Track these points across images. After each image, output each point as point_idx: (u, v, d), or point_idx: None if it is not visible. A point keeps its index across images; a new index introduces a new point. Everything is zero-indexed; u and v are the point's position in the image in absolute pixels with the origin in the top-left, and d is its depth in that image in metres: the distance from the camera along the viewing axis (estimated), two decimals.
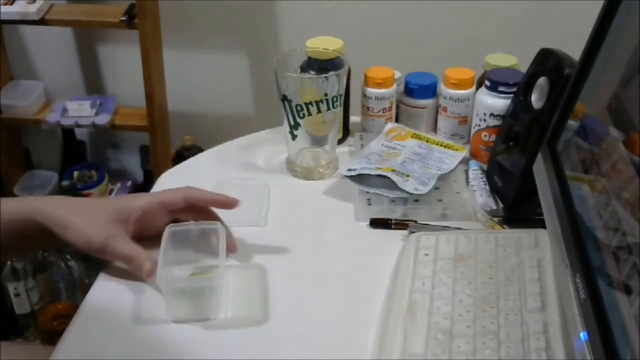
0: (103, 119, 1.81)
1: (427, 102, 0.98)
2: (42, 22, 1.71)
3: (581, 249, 0.58)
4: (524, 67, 0.86)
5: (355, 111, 1.01)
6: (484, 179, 0.89)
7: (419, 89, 0.97)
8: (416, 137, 0.96)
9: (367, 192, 0.85)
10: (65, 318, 1.44)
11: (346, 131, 1.00)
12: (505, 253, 0.72)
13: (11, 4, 1.71)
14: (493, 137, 0.89)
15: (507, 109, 0.86)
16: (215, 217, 0.78)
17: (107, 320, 0.70)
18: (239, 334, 0.67)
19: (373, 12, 1.80)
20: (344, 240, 0.81)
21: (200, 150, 1.65)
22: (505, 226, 0.81)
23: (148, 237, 0.74)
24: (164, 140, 1.88)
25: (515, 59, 0.95)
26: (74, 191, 1.91)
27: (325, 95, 0.86)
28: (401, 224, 0.81)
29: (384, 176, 0.85)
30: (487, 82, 0.88)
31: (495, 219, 0.82)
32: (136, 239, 0.73)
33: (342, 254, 0.77)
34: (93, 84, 2.03)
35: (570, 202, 0.64)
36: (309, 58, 0.91)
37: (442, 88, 0.96)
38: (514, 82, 0.86)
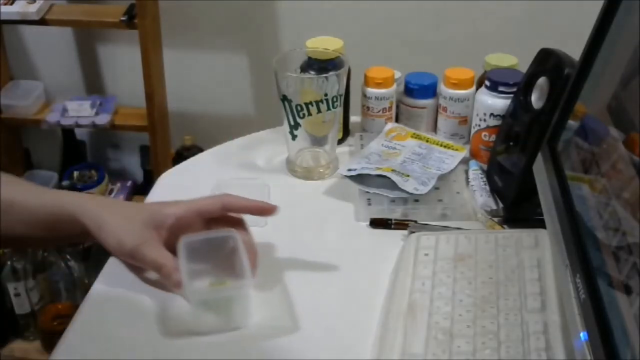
0: (103, 119, 1.81)
1: (427, 102, 0.98)
2: (42, 22, 1.71)
3: (581, 249, 0.58)
4: (524, 67, 0.86)
5: (355, 111, 1.01)
6: (484, 179, 0.89)
7: (419, 89, 0.97)
8: (416, 137, 0.96)
9: (367, 192, 0.85)
10: (65, 318, 1.44)
11: (346, 131, 1.00)
12: (505, 253, 0.72)
13: (11, 4, 1.71)
14: (493, 137, 0.89)
15: (507, 109, 0.86)
16: (246, 229, 0.75)
17: (107, 320, 0.70)
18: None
19: (373, 12, 1.80)
20: (344, 240, 0.81)
21: (200, 150, 1.65)
22: (505, 226, 0.81)
23: None
24: (164, 140, 1.88)
25: (515, 59, 0.95)
26: (74, 191, 1.91)
27: (325, 95, 0.86)
28: (401, 224, 0.81)
29: (384, 176, 0.85)
30: (487, 82, 0.88)
31: (495, 219, 0.82)
32: (169, 246, 0.70)
33: (342, 254, 0.77)
34: (93, 84, 2.03)
35: (570, 202, 0.64)
36: (309, 58, 0.91)
37: (442, 88, 0.96)
38: (514, 82, 0.86)
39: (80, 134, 2.07)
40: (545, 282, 0.67)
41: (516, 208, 0.83)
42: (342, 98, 0.89)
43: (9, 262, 1.64)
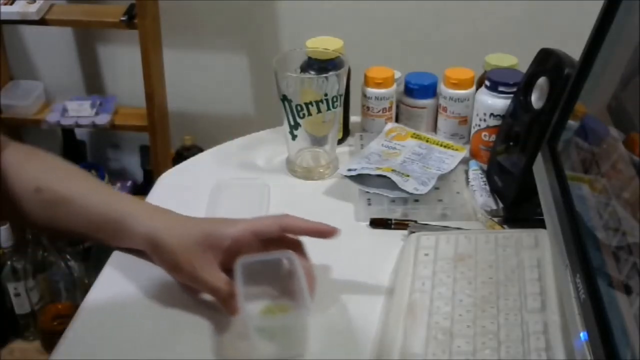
0: (103, 119, 1.81)
1: (427, 102, 0.98)
2: (42, 22, 1.71)
3: (581, 249, 0.58)
4: (524, 67, 0.86)
5: (355, 111, 1.01)
6: (484, 179, 0.89)
7: (419, 89, 0.97)
8: (416, 137, 0.96)
9: (367, 192, 0.85)
10: (65, 318, 1.44)
11: (346, 131, 1.00)
12: (505, 253, 0.72)
13: (11, 4, 1.71)
14: (493, 137, 0.89)
15: (507, 109, 0.86)
16: (304, 253, 0.72)
17: (107, 320, 0.70)
18: None
19: (373, 12, 1.80)
20: (344, 240, 0.81)
21: (200, 150, 1.65)
22: (505, 226, 0.81)
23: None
24: (164, 140, 1.88)
25: (515, 59, 0.95)
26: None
27: (325, 95, 0.86)
28: (401, 224, 0.81)
29: (384, 176, 0.85)
30: (487, 82, 0.88)
31: (495, 219, 0.82)
32: (224, 266, 0.68)
33: (342, 254, 0.77)
34: (93, 84, 2.03)
35: (570, 202, 0.64)
36: (309, 58, 0.91)
37: (442, 88, 0.96)
38: (514, 82, 0.86)
39: (80, 134, 2.07)
40: (545, 282, 0.67)
41: (516, 208, 0.83)
42: (342, 98, 0.89)
43: (9, 262, 1.64)
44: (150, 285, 0.73)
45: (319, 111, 0.87)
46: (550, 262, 0.69)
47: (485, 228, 0.81)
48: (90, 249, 1.74)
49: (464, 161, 0.92)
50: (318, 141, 0.92)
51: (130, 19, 1.69)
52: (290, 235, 0.72)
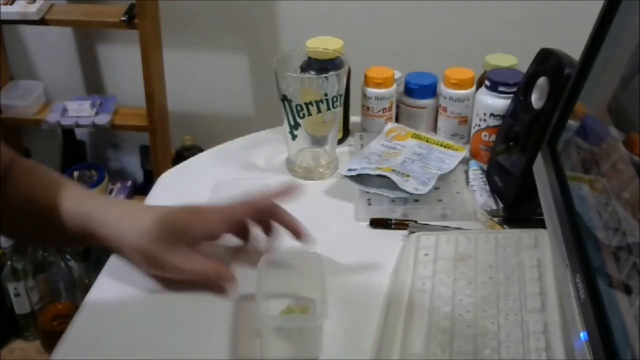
0: (103, 119, 1.81)
1: (427, 102, 0.98)
2: (42, 22, 1.71)
3: (581, 249, 0.58)
4: (524, 67, 0.86)
5: (355, 111, 1.00)
6: (484, 179, 0.89)
7: (419, 89, 0.97)
8: (416, 137, 0.96)
9: (367, 192, 0.85)
10: (65, 318, 1.44)
11: (346, 131, 1.00)
12: (505, 253, 0.72)
13: (11, 4, 1.71)
14: (493, 137, 0.89)
15: (507, 109, 0.86)
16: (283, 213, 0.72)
17: (107, 320, 0.70)
18: None
19: (373, 12, 1.80)
20: (344, 240, 0.81)
21: (200, 150, 1.65)
22: (505, 226, 0.81)
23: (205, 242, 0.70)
24: (164, 140, 1.88)
25: (515, 59, 0.95)
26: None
27: (325, 95, 0.86)
28: (401, 224, 0.81)
29: (384, 176, 0.85)
30: (487, 82, 0.88)
31: (495, 219, 0.82)
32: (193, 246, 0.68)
33: (342, 254, 0.77)
34: (93, 84, 2.03)
35: (570, 202, 0.64)
36: (309, 58, 0.91)
37: (442, 88, 0.96)
38: (514, 82, 0.86)
39: (80, 134, 2.07)
40: (545, 282, 0.67)
41: (516, 208, 0.83)
42: (342, 98, 0.89)
43: (9, 262, 1.64)
44: (152, 285, 0.73)
45: (319, 111, 0.87)
46: (550, 262, 0.69)
47: (485, 228, 0.81)
48: (90, 249, 1.74)
49: (464, 161, 0.92)
50: (318, 141, 0.92)
51: (130, 19, 1.69)
52: (264, 201, 0.73)
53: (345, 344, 0.66)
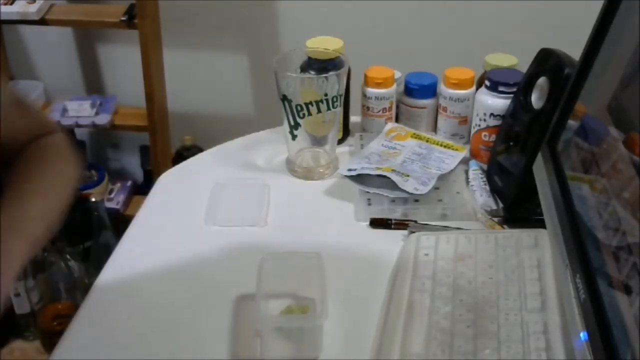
0: (103, 119, 1.81)
1: (427, 102, 0.98)
2: (42, 22, 1.71)
3: (581, 249, 0.58)
4: (524, 67, 0.86)
5: (355, 111, 1.01)
6: (484, 179, 0.89)
7: (419, 89, 0.97)
8: (416, 137, 0.96)
9: (367, 192, 0.85)
10: (65, 318, 1.44)
11: (346, 131, 1.00)
12: (505, 253, 0.72)
13: (11, 4, 1.71)
14: (493, 137, 0.89)
15: (507, 109, 0.86)
16: None
17: (107, 320, 0.70)
18: None
19: (373, 12, 1.80)
20: (344, 240, 0.81)
21: (200, 150, 1.65)
22: (505, 226, 0.81)
23: None
24: (164, 140, 1.88)
25: (515, 59, 0.95)
26: None
27: (325, 95, 0.86)
28: (401, 224, 0.81)
29: (384, 176, 0.85)
30: (487, 82, 0.88)
31: (495, 219, 0.82)
32: None
33: (342, 254, 0.77)
34: (93, 84, 2.03)
35: (570, 202, 0.64)
36: (309, 58, 0.91)
37: (442, 88, 0.96)
38: (514, 82, 0.86)
39: (80, 134, 2.07)
40: (545, 282, 0.67)
41: (516, 208, 0.83)
42: (342, 98, 0.89)
43: None
44: (152, 285, 0.73)
45: (319, 111, 0.87)
46: (550, 262, 0.69)
47: (485, 228, 0.81)
48: (89, 249, 1.74)
49: (464, 161, 0.92)
50: (318, 141, 0.92)
51: (130, 19, 1.69)
52: None
53: (345, 344, 0.66)
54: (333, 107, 0.87)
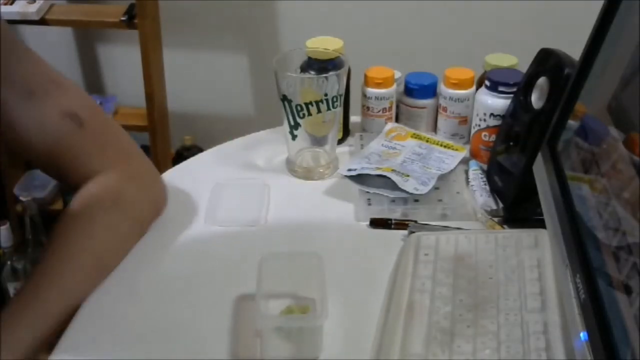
0: None
1: (427, 102, 0.98)
2: (42, 22, 1.71)
3: (581, 249, 0.58)
4: (524, 67, 0.86)
5: (355, 111, 1.00)
6: (484, 179, 0.89)
7: (419, 89, 0.97)
8: (416, 137, 0.96)
9: (367, 192, 0.85)
10: None
11: (346, 131, 1.00)
12: (505, 253, 0.72)
13: (11, 4, 1.71)
14: (493, 137, 0.89)
15: (507, 109, 0.86)
16: None
17: (107, 320, 0.69)
18: None
19: (373, 12, 1.80)
20: (344, 240, 0.81)
21: (200, 150, 1.65)
22: (505, 226, 0.81)
23: None
24: (164, 140, 1.88)
25: (515, 59, 0.95)
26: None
27: (325, 95, 0.86)
28: (401, 224, 0.81)
29: (384, 176, 0.85)
30: (487, 82, 0.88)
31: (495, 219, 0.82)
32: None
33: (342, 254, 0.77)
34: (93, 84, 2.03)
35: (570, 202, 0.64)
36: (309, 58, 0.91)
37: (442, 88, 0.96)
38: (514, 82, 0.86)
39: None
40: (545, 282, 0.67)
41: (516, 208, 0.83)
42: (342, 98, 0.89)
43: (9, 262, 1.64)
44: (152, 285, 0.73)
45: (319, 111, 0.87)
46: (550, 262, 0.69)
47: (485, 228, 0.81)
48: None
49: (464, 161, 0.92)
50: (318, 141, 0.92)
51: (130, 19, 1.69)
52: None
53: (345, 344, 0.66)
54: (333, 107, 0.87)
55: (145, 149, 1.98)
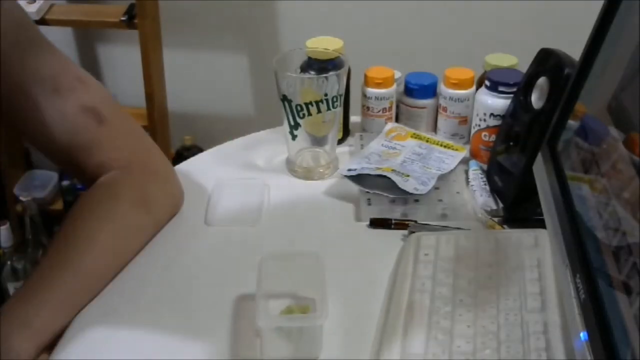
0: None
1: (427, 102, 0.98)
2: (42, 22, 1.71)
3: (581, 249, 0.58)
4: (524, 67, 0.86)
5: (355, 111, 1.01)
6: (484, 179, 0.89)
7: (419, 89, 0.97)
8: (416, 137, 0.96)
9: (367, 192, 0.85)
10: None
11: (346, 131, 1.00)
12: (505, 253, 0.72)
13: None
14: (493, 137, 0.89)
15: (507, 109, 0.86)
16: None
17: (107, 320, 0.69)
18: None
19: (373, 12, 1.80)
20: (344, 240, 0.81)
21: (200, 150, 1.65)
22: (505, 226, 0.81)
23: None
24: (164, 140, 1.88)
25: (515, 59, 0.95)
26: (74, 191, 1.91)
27: (325, 95, 0.86)
28: (401, 224, 0.81)
29: (384, 176, 0.85)
30: (487, 82, 0.88)
31: (495, 219, 0.82)
32: None
33: (342, 254, 0.77)
34: None
35: (570, 202, 0.64)
36: (309, 58, 0.91)
37: (442, 88, 0.96)
38: (514, 82, 0.86)
39: None
40: (545, 282, 0.67)
41: (516, 208, 0.83)
42: (342, 98, 0.89)
43: (9, 262, 1.64)
44: (152, 285, 0.73)
45: (319, 111, 0.87)
46: (550, 262, 0.69)
47: (485, 228, 0.81)
48: None
49: (464, 161, 0.92)
50: (318, 141, 0.92)
51: (130, 19, 1.69)
52: None
53: (345, 344, 0.66)
54: (333, 107, 0.87)
55: None
